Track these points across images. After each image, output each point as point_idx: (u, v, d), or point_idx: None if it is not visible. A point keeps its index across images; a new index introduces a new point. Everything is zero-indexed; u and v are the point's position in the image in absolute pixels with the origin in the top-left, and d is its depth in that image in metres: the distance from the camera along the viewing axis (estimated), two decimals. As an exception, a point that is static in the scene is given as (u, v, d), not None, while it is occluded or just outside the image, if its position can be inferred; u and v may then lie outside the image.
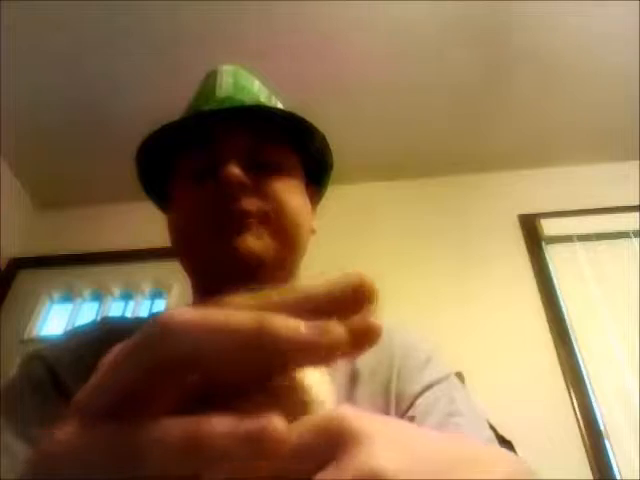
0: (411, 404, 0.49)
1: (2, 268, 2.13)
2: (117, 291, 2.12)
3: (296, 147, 0.61)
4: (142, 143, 0.59)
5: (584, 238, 1.97)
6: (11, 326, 1.98)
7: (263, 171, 0.55)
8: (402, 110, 2.03)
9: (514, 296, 1.89)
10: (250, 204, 0.53)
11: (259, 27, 1.75)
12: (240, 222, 0.51)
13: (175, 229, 0.58)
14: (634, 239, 1.95)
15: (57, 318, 2.11)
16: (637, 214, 1.97)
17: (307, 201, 0.61)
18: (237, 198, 0.52)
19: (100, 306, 2.09)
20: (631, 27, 1.76)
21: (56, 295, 2.15)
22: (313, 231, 0.62)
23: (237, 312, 0.18)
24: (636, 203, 2.01)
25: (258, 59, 1.78)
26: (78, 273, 2.13)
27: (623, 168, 2.15)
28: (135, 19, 1.72)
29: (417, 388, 0.50)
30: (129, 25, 1.74)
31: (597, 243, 1.95)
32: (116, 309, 2.09)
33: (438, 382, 0.52)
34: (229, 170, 0.52)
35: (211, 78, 0.64)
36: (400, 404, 0.50)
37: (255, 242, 0.52)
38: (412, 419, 0.48)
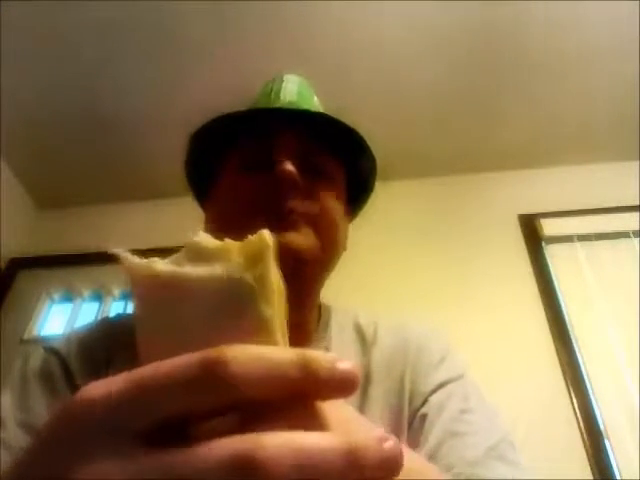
0: (425, 400, 0.50)
1: (2, 268, 2.13)
2: (117, 291, 2.12)
3: (345, 163, 0.62)
4: (201, 127, 0.60)
5: (584, 238, 1.97)
6: (11, 326, 1.98)
7: (313, 177, 0.57)
8: (401, 110, 2.03)
9: (514, 296, 1.89)
10: (299, 204, 0.54)
11: (260, 29, 1.75)
12: (287, 218, 0.52)
13: (218, 212, 0.59)
14: (634, 239, 1.94)
15: (57, 318, 2.11)
16: (637, 214, 1.97)
17: (345, 217, 0.63)
18: (289, 195, 0.53)
19: (100, 306, 2.09)
20: (632, 28, 1.76)
21: (56, 295, 2.15)
22: (345, 248, 0.62)
23: (279, 352, 0.19)
24: (636, 203, 2.01)
25: (259, 62, 1.79)
26: (78, 273, 2.13)
27: (623, 168, 2.15)
28: (137, 20, 1.72)
29: (431, 385, 0.52)
30: (130, 26, 1.74)
31: (597, 243, 1.95)
32: (116, 309, 2.09)
33: (452, 380, 0.53)
34: (287, 167, 0.53)
35: (276, 83, 0.66)
36: (414, 401, 0.51)
37: (300, 239, 0.53)
38: (425, 416, 0.49)
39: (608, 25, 1.76)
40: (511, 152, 2.19)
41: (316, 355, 0.19)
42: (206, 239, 0.23)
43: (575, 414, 1.63)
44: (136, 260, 0.23)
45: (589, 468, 1.52)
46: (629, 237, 1.95)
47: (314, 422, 0.19)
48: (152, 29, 1.75)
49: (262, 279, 0.22)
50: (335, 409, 0.21)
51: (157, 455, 0.17)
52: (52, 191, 2.32)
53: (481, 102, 2.02)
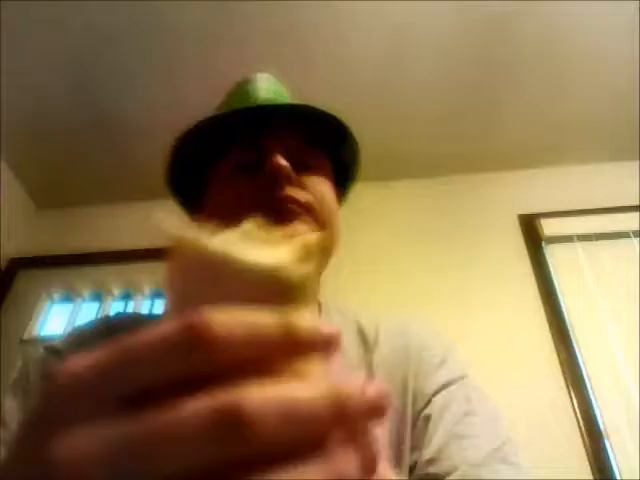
0: (428, 401, 0.51)
1: (2, 268, 2.13)
2: (117, 291, 2.12)
3: (330, 152, 0.63)
4: (184, 134, 0.60)
5: (584, 238, 1.97)
6: (11, 326, 1.98)
7: (304, 169, 0.57)
8: (401, 110, 2.03)
9: (514, 296, 1.89)
10: (296, 193, 0.54)
11: (263, 30, 1.75)
12: (287, 209, 0.53)
13: (214, 217, 0.58)
14: (634, 239, 1.94)
15: (57, 318, 2.11)
16: (637, 214, 1.97)
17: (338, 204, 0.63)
18: (284, 186, 0.53)
19: (100, 306, 2.09)
20: (632, 28, 1.76)
21: (56, 295, 2.15)
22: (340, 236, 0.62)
23: (261, 316, 0.19)
24: (636, 203, 2.01)
25: (262, 62, 1.79)
26: (78, 273, 2.13)
27: (623, 168, 2.15)
28: (136, 21, 1.72)
29: (434, 386, 0.52)
30: (129, 27, 1.74)
31: (597, 243, 1.95)
32: (116, 309, 2.09)
33: (455, 381, 0.53)
34: (279, 161, 0.53)
35: (248, 83, 0.66)
36: (417, 402, 0.51)
37: (303, 228, 0.53)
38: (429, 417, 0.49)
39: (608, 25, 1.76)
40: (511, 152, 2.19)
41: (297, 317, 0.19)
42: (256, 229, 0.24)
43: (575, 414, 1.63)
44: (186, 231, 0.23)
45: (589, 468, 1.53)
46: (629, 237, 1.95)
47: (296, 379, 0.19)
48: (153, 32, 1.75)
49: (306, 280, 0.22)
50: (316, 366, 0.21)
51: (139, 417, 0.16)
52: (52, 191, 2.32)
53: (481, 102, 2.02)
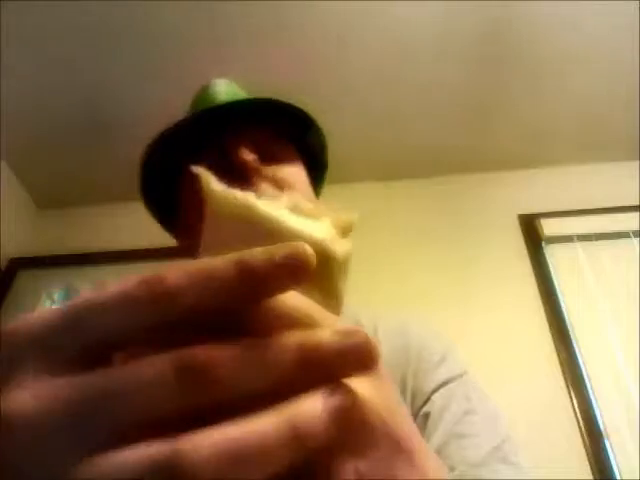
0: (427, 399, 0.50)
1: (2, 268, 2.13)
2: (117, 291, 2.12)
3: (297, 144, 0.62)
4: (147, 150, 0.61)
5: (584, 238, 1.97)
6: (11, 326, 1.98)
7: (274, 162, 0.56)
8: (401, 110, 2.03)
9: (514, 296, 1.89)
10: (268, 189, 0.53)
11: (262, 31, 1.75)
12: None
13: (190, 225, 0.58)
14: (634, 239, 1.94)
15: (57, 318, 2.10)
16: (637, 214, 1.97)
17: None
18: (254, 182, 0.52)
19: (100, 306, 2.09)
20: (632, 27, 1.76)
21: (56, 295, 2.15)
22: None
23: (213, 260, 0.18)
24: (636, 203, 2.01)
25: (258, 63, 1.79)
26: (78, 273, 2.12)
27: (623, 168, 2.15)
28: (135, 22, 1.72)
29: (433, 384, 0.51)
30: (129, 28, 1.74)
31: (597, 243, 1.94)
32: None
33: (454, 379, 0.53)
34: (242, 155, 0.53)
35: (207, 88, 0.66)
36: (416, 400, 0.51)
37: None
38: (428, 415, 0.48)
39: (608, 25, 1.76)
40: (511, 152, 2.19)
41: (251, 250, 0.18)
42: (302, 199, 0.24)
43: (575, 414, 1.63)
44: (233, 191, 0.23)
45: (589, 468, 1.52)
46: (629, 237, 1.95)
47: (257, 328, 0.18)
48: (151, 32, 1.75)
49: (347, 255, 0.23)
50: (291, 300, 0.19)
51: (94, 373, 0.16)
52: (52, 191, 2.32)
53: (481, 102, 2.02)
